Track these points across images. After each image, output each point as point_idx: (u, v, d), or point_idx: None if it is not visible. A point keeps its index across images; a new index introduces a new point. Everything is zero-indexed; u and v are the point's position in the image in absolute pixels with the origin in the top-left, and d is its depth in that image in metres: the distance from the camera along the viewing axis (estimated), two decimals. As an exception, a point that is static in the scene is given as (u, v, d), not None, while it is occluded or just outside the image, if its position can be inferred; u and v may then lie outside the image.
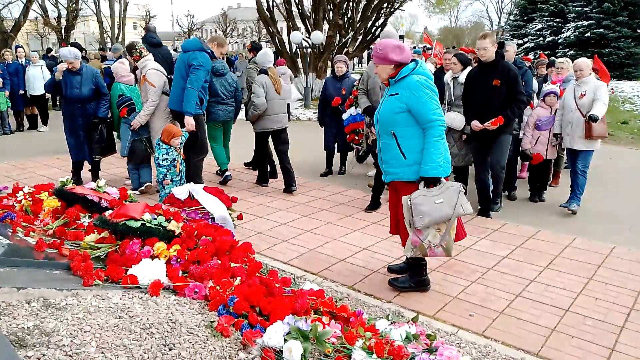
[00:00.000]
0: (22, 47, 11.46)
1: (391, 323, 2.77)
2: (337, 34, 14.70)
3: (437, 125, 3.23)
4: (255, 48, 7.96)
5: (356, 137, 6.55)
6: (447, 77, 5.71)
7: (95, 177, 6.17)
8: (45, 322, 2.15)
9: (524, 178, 6.63)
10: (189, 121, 5.37)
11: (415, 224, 3.22)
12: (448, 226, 3.24)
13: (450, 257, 3.37)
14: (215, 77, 6.17)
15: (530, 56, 18.54)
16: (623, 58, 23.36)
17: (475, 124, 5.02)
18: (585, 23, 24.10)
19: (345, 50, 14.60)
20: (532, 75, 6.48)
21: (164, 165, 5.04)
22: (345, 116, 6.51)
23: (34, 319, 2.17)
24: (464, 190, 3.24)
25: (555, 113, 5.75)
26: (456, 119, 5.47)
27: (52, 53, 15.40)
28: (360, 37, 15.31)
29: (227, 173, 6.53)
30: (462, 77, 5.51)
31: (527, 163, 6.36)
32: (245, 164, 7.34)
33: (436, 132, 3.24)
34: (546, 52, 20.29)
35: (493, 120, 4.91)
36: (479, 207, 5.37)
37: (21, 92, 10.27)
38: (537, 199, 6.00)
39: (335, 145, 6.96)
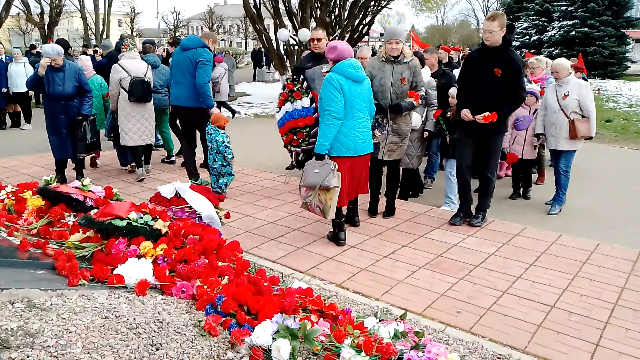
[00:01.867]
0: (1, 43, 11.26)
1: (379, 321, 2.77)
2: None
3: (326, 114, 4.10)
4: (176, 43, 7.96)
5: (295, 138, 5.62)
6: None
7: (79, 175, 6.10)
8: (29, 323, 2.12)
9: (509, 176, 6.65)
10: (214, 112, 5.81)
11: (300, 182, 4.29)
12: (326, 195, 4.13)
13: (326, 218, 4.25)
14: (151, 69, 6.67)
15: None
16: (607, 57, 23.71)
17: (465, 114, 4.61)
18: (570, 22, 24.43)
19: (332, 48, 14.58)
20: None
21: (230, 147, 5.54)
22: (278, 116, 5.70)
23: (17, 319, 2.13)
24: (335, 169, 4.09)
25: (534, 113, 5.73)
26: (413, 117, 5.24)
27: (38, 49, 15.15)
28: (347, 35, 15.29)
29: (173, 158, 7.41)
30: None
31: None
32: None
33: (325, 118, 4.12)
34: (532, 51, 20.53)
35: (486, 114, 4.46)
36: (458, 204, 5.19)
37: (3, 90, 10.09)
38: (522, 196, 6.01)
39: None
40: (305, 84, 5.58)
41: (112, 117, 6.56)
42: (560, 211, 5.50)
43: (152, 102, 6.51)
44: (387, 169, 5.12)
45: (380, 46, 22.73)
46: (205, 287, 2.77)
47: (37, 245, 3.18)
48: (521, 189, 6.15)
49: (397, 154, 4.94)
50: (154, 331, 2.29)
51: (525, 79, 6.50)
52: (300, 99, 5.59)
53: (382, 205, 5.21)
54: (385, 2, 16.62)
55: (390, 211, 5.16)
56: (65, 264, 2.82)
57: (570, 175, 5.44)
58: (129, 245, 3.16)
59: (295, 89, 5.61)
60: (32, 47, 16.85)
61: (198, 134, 6.21)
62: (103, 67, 7.71)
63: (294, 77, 5.69)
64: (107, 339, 2.13)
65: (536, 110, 5.75)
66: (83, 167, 6.34)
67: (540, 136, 5.63)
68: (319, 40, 5.35)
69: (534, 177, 6.57)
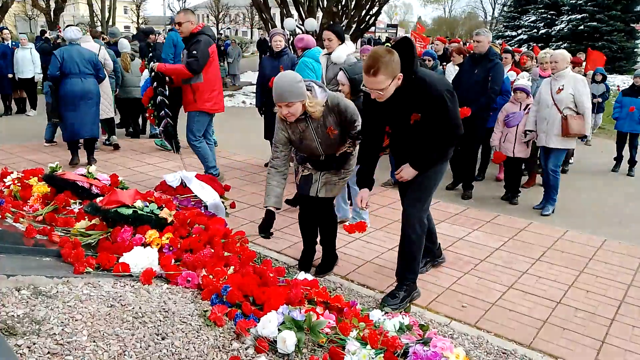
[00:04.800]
0: (7, 28, 11.21)
1: (385, 313, 2.77)
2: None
3: None
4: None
5: (150, 107, 5.35)
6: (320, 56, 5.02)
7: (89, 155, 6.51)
8: (35, 310, 2.12)
9: (501, 180, 6.18)
10: None
11: None
12: None
13: None
14: None
15: (527, 48, 18.51)
16: (615, 52, 23.52)
17: (362, 200, 3.25)
18: (579, 16, 24.21)
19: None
20: (503, 71, 5.75)
21: None
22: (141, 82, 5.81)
23: (24, 306, 2.13)
24: None
25: (525, 109, 5.46)
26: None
27: (46, 35, 15.06)
28: (354, 26, 15.19)
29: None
30: (336, 56, 4.70)
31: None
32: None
33: None
34: (539, 45, 20.36)
35: (404, 174, 3.18)
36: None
37: (9, 75, 10.05)
38: (509, 202, 5.61)
39: None
40: (150, 55, 5.62)
41: None
42: (553, 212, 5.28)
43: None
44: (320, 207, 3.60)
45: (388, 38, 22.21)
46: (211, 277, 2.77)
47: (43, 232, 3.18)
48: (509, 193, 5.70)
49: (338, 190, 3.57)
50: (160, 320, 2.28)
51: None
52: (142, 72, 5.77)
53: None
54: (393, -8, 16.48)
55: (326, 266, 3.72)
56: (71, 251, 2.82)
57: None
58: (135, 234, 3.15)
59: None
60: (43, 32, 16.71)
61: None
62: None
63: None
64: (112, 328, 2.13)
65: (527, 106, 5.47)
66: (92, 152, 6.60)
67: (529, 132, 5.32)
68: (179, 24, 5.21)
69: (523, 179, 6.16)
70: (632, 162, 7.27)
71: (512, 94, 5.67)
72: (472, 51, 5.91)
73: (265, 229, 3.29)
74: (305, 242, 3.75)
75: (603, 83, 9.05)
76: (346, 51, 4.76)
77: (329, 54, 4.89)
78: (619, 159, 7.37)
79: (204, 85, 5.17)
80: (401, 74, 2.85)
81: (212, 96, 5.28)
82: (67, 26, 7.47)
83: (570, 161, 7.20)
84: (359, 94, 3.66)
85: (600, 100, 8.84)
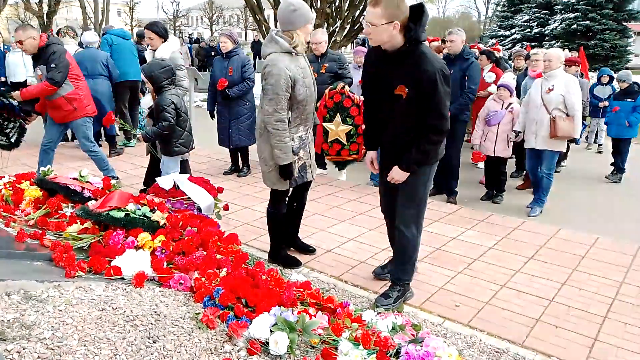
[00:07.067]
0: None
1: (377, 314, 2.77)
2: (325, 23, 14.58)
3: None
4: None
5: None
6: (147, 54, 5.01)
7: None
8: (25, 315, 2.11)
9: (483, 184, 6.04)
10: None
11: None
12: None
13: None
14: None
15: (520, 47, 18.55)
16: (608, 50, 23.69)
17: (371, 160, 3.46)
18: (572, 15, 24.36)
19: (333, 39, 14.51)
20: (479, 69, 5.70)
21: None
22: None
23: (13, 311, 2.12)
24: None
25: (507, 107, 5.39)
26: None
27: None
28: (348, 26, 15.22)
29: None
30: (158, 54, 4.70)
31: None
32: None
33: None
34: (532, 44, 20.43)
35: (392, 176, 3.10)
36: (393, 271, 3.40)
37: (2, 79, 10.00)
38: (492, 200, 5.61)
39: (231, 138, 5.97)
40: None
41: None
42: (540, 212, 5.28)
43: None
44: (307, 189, 3.91)
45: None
46: (203, 279, 2.76)
47: (35, 236, 3.17)
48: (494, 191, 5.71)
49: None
50: (151, 323, 2.28)
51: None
52: None
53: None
54: (386, -7, 16.50)
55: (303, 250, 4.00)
56: (63, 255, 2.81)
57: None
58: (127, 237, 3.14)
59: None
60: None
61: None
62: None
63: None
64: (103, 331, 2.12)
65: (510, 104, 5.40)
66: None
67: (518, 133, 5.25)
68: (20, 42, 5.20)
69: (514, 182, 6.25)
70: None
71: (496, 91, 5.60)
72: (446, 52, 5.69)
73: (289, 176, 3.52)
74: (280, 236, 3.87)
75: (609, 85, 8.47)
76: (170, 49, 4.73)
77: (154, 51, 4.85)
78: (616, 167, 6.95)
79: (78, 92, 5.23)
80: (398, 23, 2.76)
81: (90, 100, 5.40)
82: (59, 30, 7.50)
83: (562, 163, 7.15)
84: (162, 90, 4.14)
85: (607, 104, 8.13)
